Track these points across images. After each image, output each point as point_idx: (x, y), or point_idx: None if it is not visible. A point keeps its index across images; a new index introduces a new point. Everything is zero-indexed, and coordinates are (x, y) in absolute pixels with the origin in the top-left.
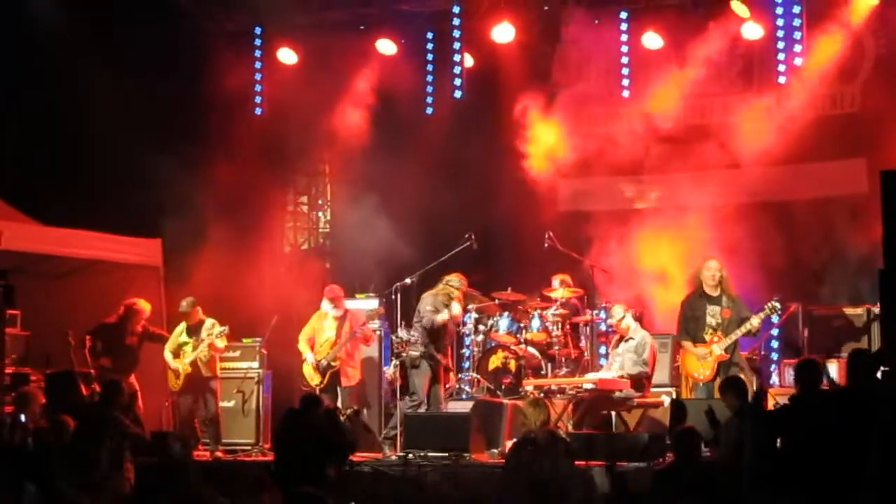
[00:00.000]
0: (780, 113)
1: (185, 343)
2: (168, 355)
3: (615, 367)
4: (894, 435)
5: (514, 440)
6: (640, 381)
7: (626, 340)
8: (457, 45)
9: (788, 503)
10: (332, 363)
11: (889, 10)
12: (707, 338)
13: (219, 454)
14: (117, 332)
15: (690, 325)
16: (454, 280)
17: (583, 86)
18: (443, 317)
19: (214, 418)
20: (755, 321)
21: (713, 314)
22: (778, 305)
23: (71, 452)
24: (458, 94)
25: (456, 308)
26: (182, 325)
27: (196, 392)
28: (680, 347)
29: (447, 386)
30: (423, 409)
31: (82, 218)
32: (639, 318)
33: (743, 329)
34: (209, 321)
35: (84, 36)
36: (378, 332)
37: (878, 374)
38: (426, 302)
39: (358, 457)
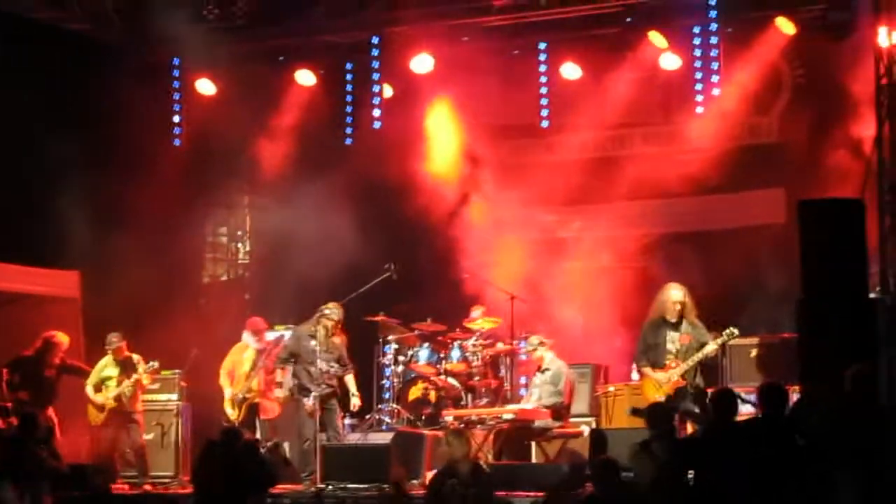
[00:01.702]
0: (699, 143)
1: (109, 378)
2: (90, 389)
3: (533, 398)
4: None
5: (435, 471)
6: (559, 412)
7: (543, 371)
8: (375, 76)
9: None
10: (247, 395)
11: (806, 39)
12: (667, 363)
13: (147, 487)
14: (35, 364)
15: (651, 352)
16: (329, 310)
17: (502, 115)
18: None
19: (140, 450)
20: (711, 347)
21: (672, 340)
22: (735, 332)
23: None
24: (376, 124)
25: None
26: (107, 359)
27: (119, 425)
28: (599, 377)
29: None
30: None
31: None
32: (550, 346)
33: (700, 354)
34: (137, 357)
35: (4, 71)
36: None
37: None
38: (304, 337)
39: (278, 489)
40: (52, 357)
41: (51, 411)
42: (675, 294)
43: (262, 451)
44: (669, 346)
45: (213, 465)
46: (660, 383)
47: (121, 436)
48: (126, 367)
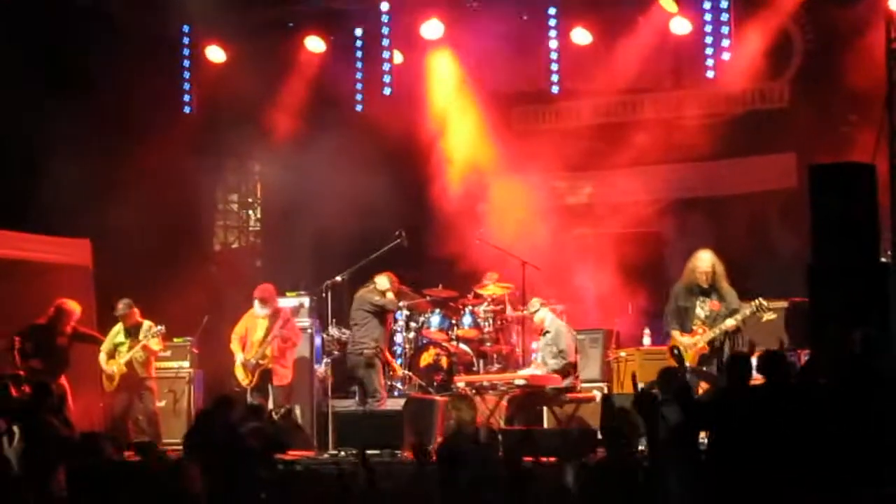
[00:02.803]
0: (710, 108)
1: (121, 344)
2: (102, 356)
3: (538, 361)
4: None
5: (447, 436)
6: (566, 372)
7: (544, 334)
8: (385, 42)
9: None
10: (261, 362)
11: (817, 4)
12: (695, 329)
13: None
14: (47, 333)
15: (679, 316)
16: (383, 279)
17: (512, 82)
18: (391, 298)
19: (153, 417)
20: (739, 317)
21: (703, 307)
22: (764, 303)
23: None
24: (387, 90)
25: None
26: (118, 326)
27: (131, 392)
28: (610, 342)
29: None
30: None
31: (7, 218)
32: (561, 312)
33: (729, 323)
34: (146, 323)
35: (8, 45)
36: (309, 331)
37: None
38: (365, 298)
39: (290, 455)
40: (65, 325)
41: (63, 379)
42: (704, 260)
43: (276, 416)
44: (699, 311)
45: (205, 436)
46: (686, 346)
47: (134, 402)
48: (137, 334)
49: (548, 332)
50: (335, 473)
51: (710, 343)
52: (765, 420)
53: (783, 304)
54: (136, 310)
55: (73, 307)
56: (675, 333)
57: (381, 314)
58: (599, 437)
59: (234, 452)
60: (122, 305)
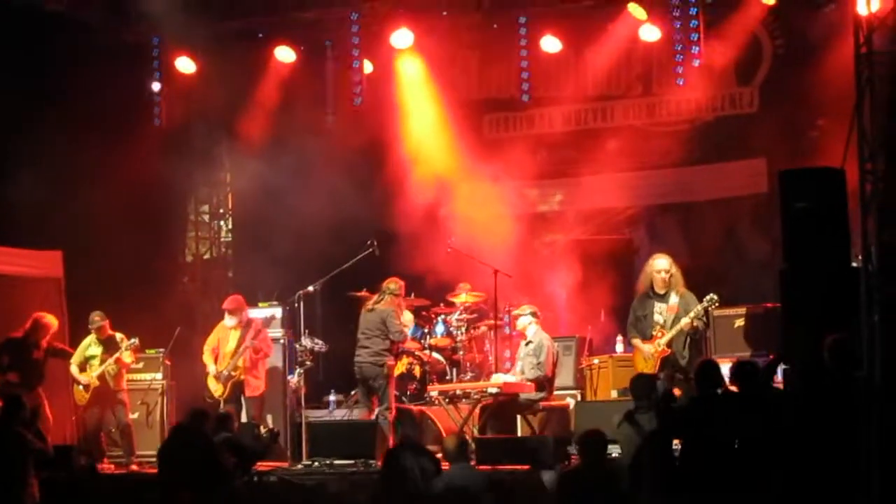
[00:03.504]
0: (680, 114)
1: (93, 357)
2: (74, 369)
3: (517, 369)
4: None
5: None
6: (541, 384)
7: (527, 344)
8: (355, 52)
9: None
10: (233, 373)
11: (785, 10)
12: (655, 334)
13: (134, 467)
14: (24, 346)
15: (640, 324)
16: (394, 286)
17: (483, 90)
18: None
19: (126, 430)
20: (692, 314)
21: (660, 311)
22: (715, 298)
23: None
24: (357, 100)
25: (406, 315)
26: (90, 338)
27: (104, 405)
28: (583, 349)
29: None
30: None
31: None
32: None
33: (681, 322)
34: (119, 335)
35: None
36: (282, 342)
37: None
38: (391, 316)
39: (263, 466)
40: (41, 339)
41: (40, 392)
42: (660, 264)
43: (264, 433)
44: (657, 317)
45: (181, 451)
46: (648, 355)
47: (106, 415)
48: (109, 346)
49: (531, 342)
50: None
51: (670, 344)
52: (736, 428)
53: (750, 309)
54: (107, 322)
55: (51, 321)
56: (637, 342)
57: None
58: (573, 444)
59: (211, 466)
60: (96, 318)
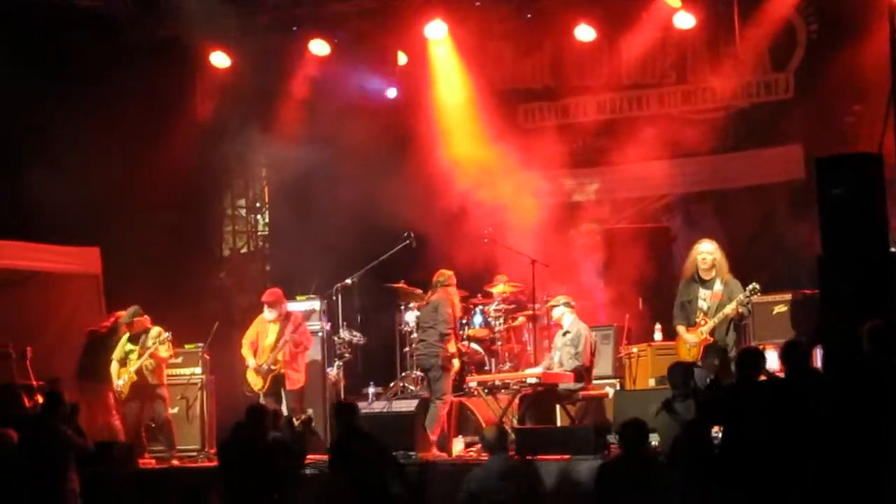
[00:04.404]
0: (715, 102)
1: (131, 351)
2: (114, 364)
3: (555, 360)
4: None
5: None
6: (580, 374)
7: (564, 334)
8: (389, 44)
9: (724, 497)
10: (273, 367)
11: None
12: (698, 321)
13: (174, 462)
14: (102, 342)
15: (683, 311)
16: (442, 277)
17: (517, 79)
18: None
19: (166, 425)
20: (734, 303)
21: (704, 297)
22: (757, 287)
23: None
24: (392, 91)
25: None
26: (126, 335)
27: (142, 400)
28: (622, 338)
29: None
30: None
31: (17, 228)
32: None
33: (728, 308)
34: (155, 330)
35: (15, 51)
36: (321, 335)
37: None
38: (442, 306)
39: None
40: (118, 338)
41: (108, 391)
42: (704, 248)
43: (297, 423)
44: (701, 303)
45: (241, 448)
46: (691, 344)
47: (146, 410)
48: (144, 341)
49: (568, 332)
50: None
51: (713, 332)
52: (774, 416)
53: (788, 296)
54: (146, 317)
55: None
56: (681, 329)
57: None
58: (614, 434)
59: (266, 467)
60: (130, 312)
